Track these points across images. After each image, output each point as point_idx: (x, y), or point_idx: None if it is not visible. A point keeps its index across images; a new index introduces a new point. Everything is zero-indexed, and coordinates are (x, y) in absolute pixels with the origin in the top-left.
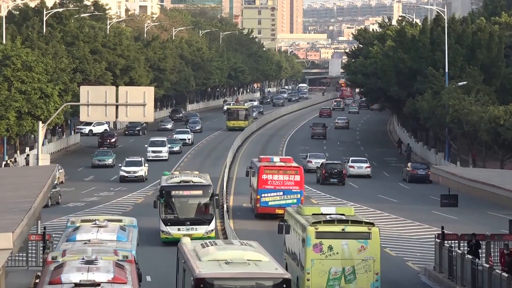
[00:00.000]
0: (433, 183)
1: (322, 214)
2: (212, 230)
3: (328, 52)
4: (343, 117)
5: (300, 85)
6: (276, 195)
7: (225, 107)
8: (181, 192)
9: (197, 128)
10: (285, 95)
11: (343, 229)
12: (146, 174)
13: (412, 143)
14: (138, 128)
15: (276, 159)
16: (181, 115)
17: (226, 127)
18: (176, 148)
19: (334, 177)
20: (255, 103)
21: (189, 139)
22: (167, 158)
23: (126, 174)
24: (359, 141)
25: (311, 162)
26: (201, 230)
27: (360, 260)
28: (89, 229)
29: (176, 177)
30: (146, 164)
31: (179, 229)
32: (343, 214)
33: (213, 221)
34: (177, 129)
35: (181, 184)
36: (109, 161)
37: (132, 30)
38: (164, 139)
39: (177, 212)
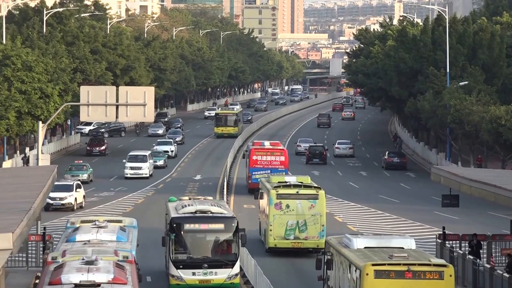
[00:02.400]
0: (408, 171)
1: (284, 181)
2: (237, 275)
3: (329, 52)
4: (349, 110)
5: (294, 86)
6: (265, 173)
7: (206, 113)
8: (197, 225)
9: (177, 139)
10: (277, 97)
11: (297, 192)
12: (81, 201)
13: (413, 143)
14: (102, 130)
15: (267, 143)
16: (167, 119)
17: (214, 134)
18: (160, 162)
19: (316, 157)
20: (237, 107)
21: (172, 151)
22: (148, 175)
23: (51, 201)
24: (360, 141)
25: (300, 146)
26: (222, 274)
27: (310, 215)
28: (89, 230)
29: (188, 205)
30: (79, 189)
31: (194, 274)
32: (301, 182)
33: (238, 263)
34: (158, 140)
35: (197, 215)
36: (84, 176)
37: (132, 30)
38: (146, 153)
39: (192, 252)
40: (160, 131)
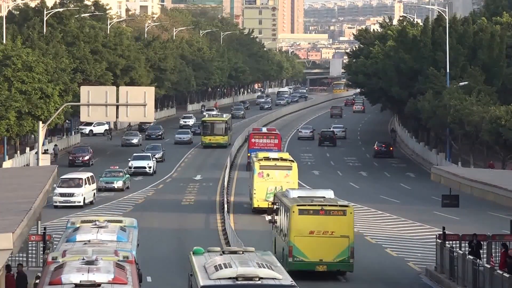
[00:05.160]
0: (394, 158)
1: (267, 156)
2: None
3: (329, 52)
4: (360, 104)
5: (281, 89)
6: None
7: (181, 121)
8: None
9: (157, 156)
10: (262, 100)
11: (275, 164)
12: None
13: (413, 143)
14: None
15: (264, 129)
16: (152, 123)
17: (201, 143)
18: (118, 184)
19: (327, 140)
20: (214, 112)
21: (150, 167)
22: (81, 204)
23: None
24: (360, 141)
25: (301, 132)
26: None
27: (286, 182)
28: (89, 230)
29: (224, 265)
30: None
31: None
32: (280, 157)
33: None
34: (134, 154)
35: (239, 283)
36: None
37: (132, 30)
38: (84, 176)
39: None
40: (135, 141)
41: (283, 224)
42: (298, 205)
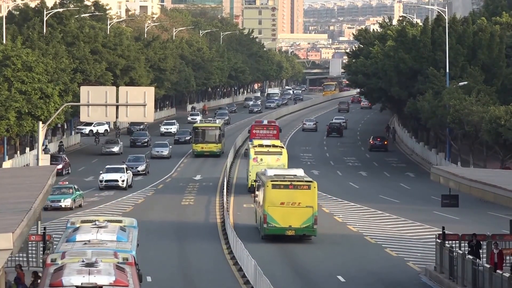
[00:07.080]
0: (389, 151)
1: (261, 143)
2: None
3: (329, 52)
4: (366, 100)
5: (270, 91)
6: None
7: (162, 128)
8: None
9: (139, 168)
10: (251, 103)
11: (268, 150)
12: None
13: (412, 143)
14: None
15: (265, 121)
16: (143, 126)
17: (192, 152)
18: (66, 203)
19: (335, 131)
20: (199, 118)
21: (123, 181)
22: None
23: None
24: (359, 141)
25: (305, 124)
26: None
27: (277, 165)
28: (89, 230)
29: None
30: None
31: None
32: (273, 144)
33: None
34: (107, 166)
35: None
36: None
37: (132, 30)
38: None
39: None
40: (115, 149)
41: (260, 197)
42: (271, 181)
